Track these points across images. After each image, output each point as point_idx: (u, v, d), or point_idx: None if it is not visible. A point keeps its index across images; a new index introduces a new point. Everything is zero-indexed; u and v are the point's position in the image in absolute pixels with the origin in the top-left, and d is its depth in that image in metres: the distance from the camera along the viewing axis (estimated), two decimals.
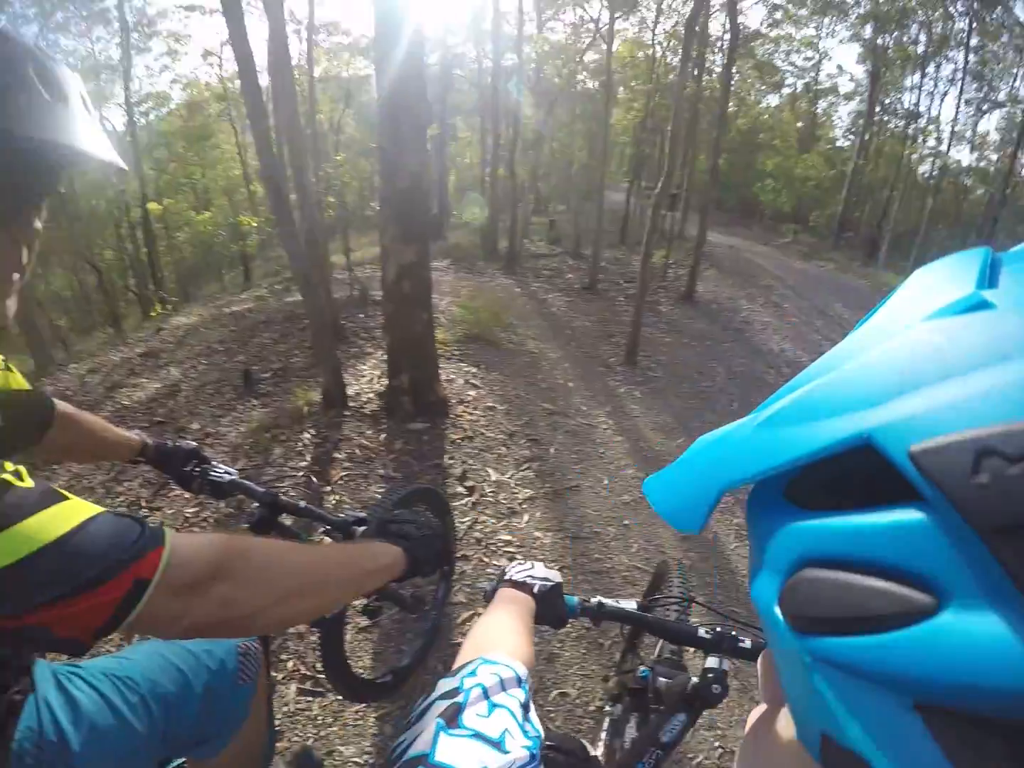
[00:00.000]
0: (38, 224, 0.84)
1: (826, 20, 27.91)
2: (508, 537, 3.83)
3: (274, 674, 2.77)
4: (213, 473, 1.59)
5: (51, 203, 0.90)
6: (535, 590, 1.14)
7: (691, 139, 17.38)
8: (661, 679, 1.35)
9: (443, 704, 0.62)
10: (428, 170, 4.58)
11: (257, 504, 1.54)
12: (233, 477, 1.60)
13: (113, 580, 0.69)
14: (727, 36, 13.35)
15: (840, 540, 0.30)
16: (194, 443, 1.65)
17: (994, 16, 23.00)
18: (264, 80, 11.75)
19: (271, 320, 7.96)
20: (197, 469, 1.60)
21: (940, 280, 0.34)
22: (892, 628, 0.26)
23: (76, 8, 20.05)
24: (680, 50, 15.89)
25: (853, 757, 0.29)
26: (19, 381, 1.10)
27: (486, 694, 0.65)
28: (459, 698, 0.63)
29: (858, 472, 0.29)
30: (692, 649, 1.43)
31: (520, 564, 1.21)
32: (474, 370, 6.04)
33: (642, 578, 3.75)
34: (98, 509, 0.73)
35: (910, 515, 0.27)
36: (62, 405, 1.30)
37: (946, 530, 0.25)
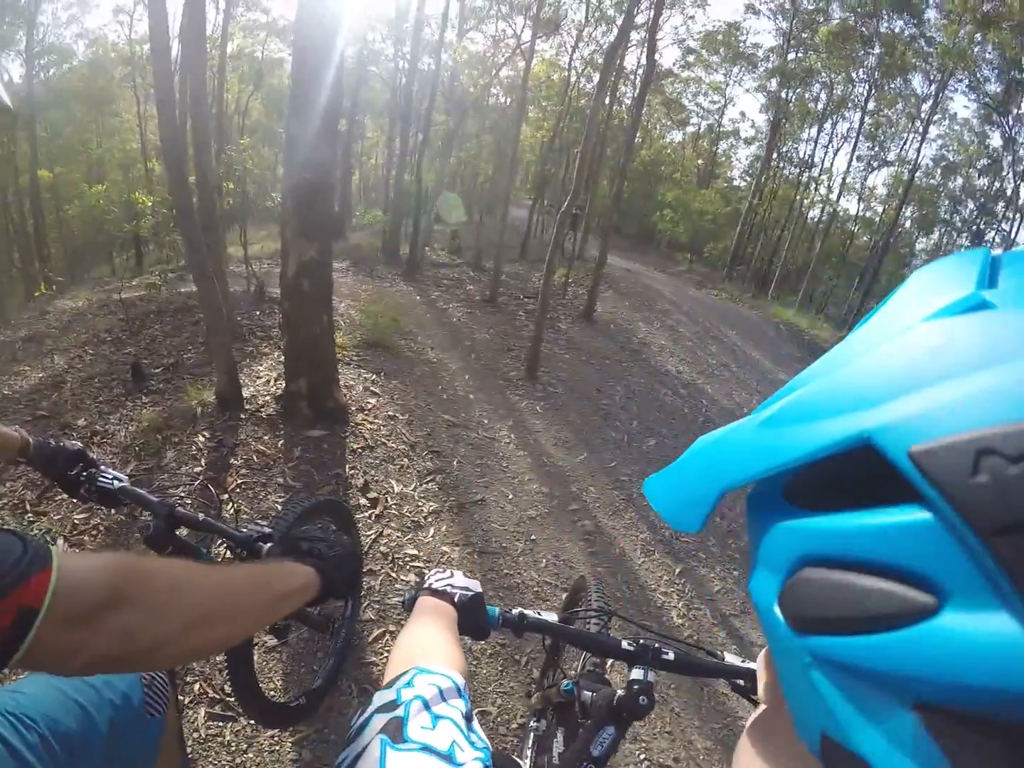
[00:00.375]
0: None
1: (735, 69, 29.87)
2: (415, 551, 3.69)
3: (181, 697, 2.57)
4: (102, 479, 1.43)
5: None
6: (456, 599, 1.11)
7: (596, 164, 17.77)
8: (586, 692, 1.33)
9: (383, 718, 0.59)
10: (335, 164, 4.36)
11: (151, 515, 1.38)
12: (124, 484, 1.44)
13: None
14: (641, 70, 13.68)
15: (840, 540, 0.30)
16: (79, 444, 1.47)
17: (893, 85, 25.05)
18: (175, 49, 11.17)
19: (163, 310, 7.43)
20: (84, 474, 1.43)
21: (940, 280, 0.33)
22: (892, 628, 0.27)
23: None
24: (596, 76, 16.31)
25: (853, 757, 0.29)
26: None
27: (427, 706, 0.62)
28: (399, 711, 0.60)
29: (858, 472, 0.29)
30: (613, 662, 1.38)
31: (439, 572, 1.18)
32: (374, 377, 5.82)
33: (552, 593, 3.73)
34: None
35: (910, 515, 0.27)
36: None
37: (946, 530, 0.25)
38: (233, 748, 2.45)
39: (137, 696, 1.13)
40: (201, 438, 4.25)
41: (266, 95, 23.32)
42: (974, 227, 28.34)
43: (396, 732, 0.57)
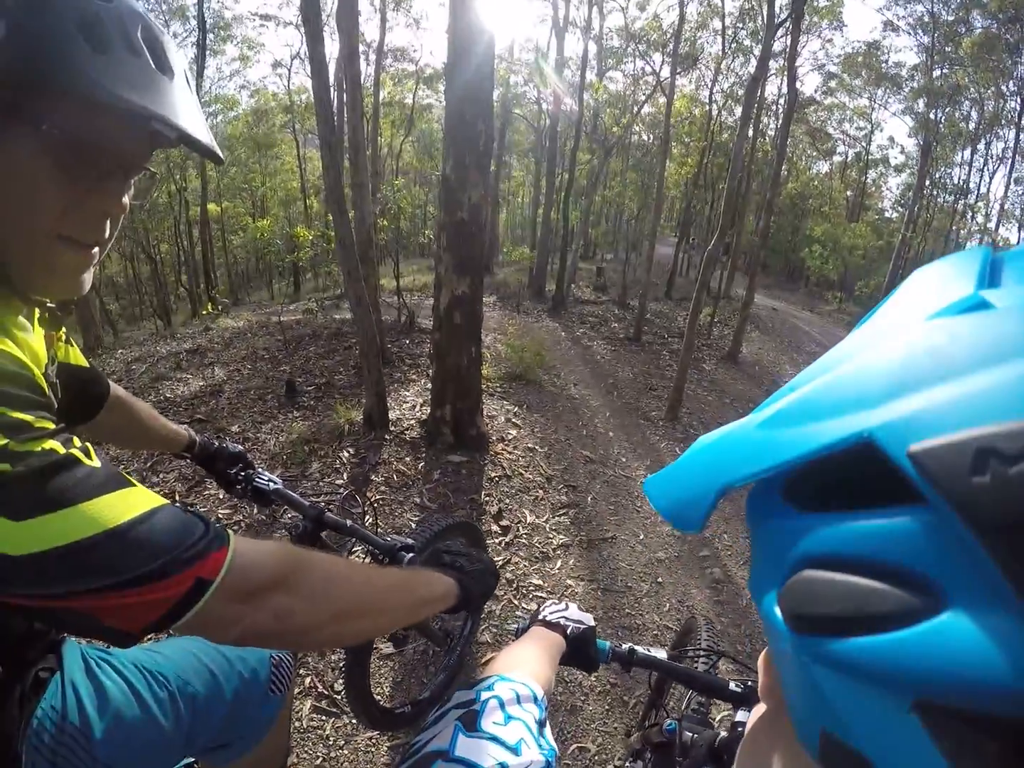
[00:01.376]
0: (126, 199, 0.78)
1: (879, 92, 28.50)
2: (539, 582, 3.74)
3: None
4: (259, 480, 1.58)
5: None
6: (568, 632, 1.12)
7: (742, 199, 17.48)
8: (688, 732, 1.32)
9: (459, 711, 0.63)
10: (486, 204, 4.59)
11: (301, 516, 1.51)
12: (278, 486, 1.58)
13: (175, 576, 0.66)
14: (783, 100, 13.40)
15: (840, 540, 0.30)
16: (240, 447, 1.64)
17: None
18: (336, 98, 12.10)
19: (318, 334, 8.02)
20: (242, 473, 1.59)
21: (940, 280, 0.33)
22: (891, 628, 0.26)
23: (156, 1, 20.65)
24: (737, 109, 16.03)
25: (852, 756, 0.30)
26: (78, 356, 1.08)
27: (502, 705, 0.65)
28: (476, 706, 0.64)
29: (858, 472, 0.29)
30: (719, 703, 1.36)
31: (555, 604, 1.20)
32: (516, 409, 5.99)
33: (671, 638, 3.67)
34: (163, 501, 0.70)
35: (910, 515, 0.27)
36: (116, 388, 1.29)
37: (945, 530, 0.25)
38: (331, 743, 2.59)
39: (264, 673, 1.23)
40: (346, 453, 4.53)
41: (416, 138, 24.62)
42: None
43: (470, 722, 0.61)
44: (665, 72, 13.98)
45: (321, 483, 4.24)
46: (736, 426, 0.37)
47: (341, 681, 2.67)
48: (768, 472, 0.33)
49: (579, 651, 1.13)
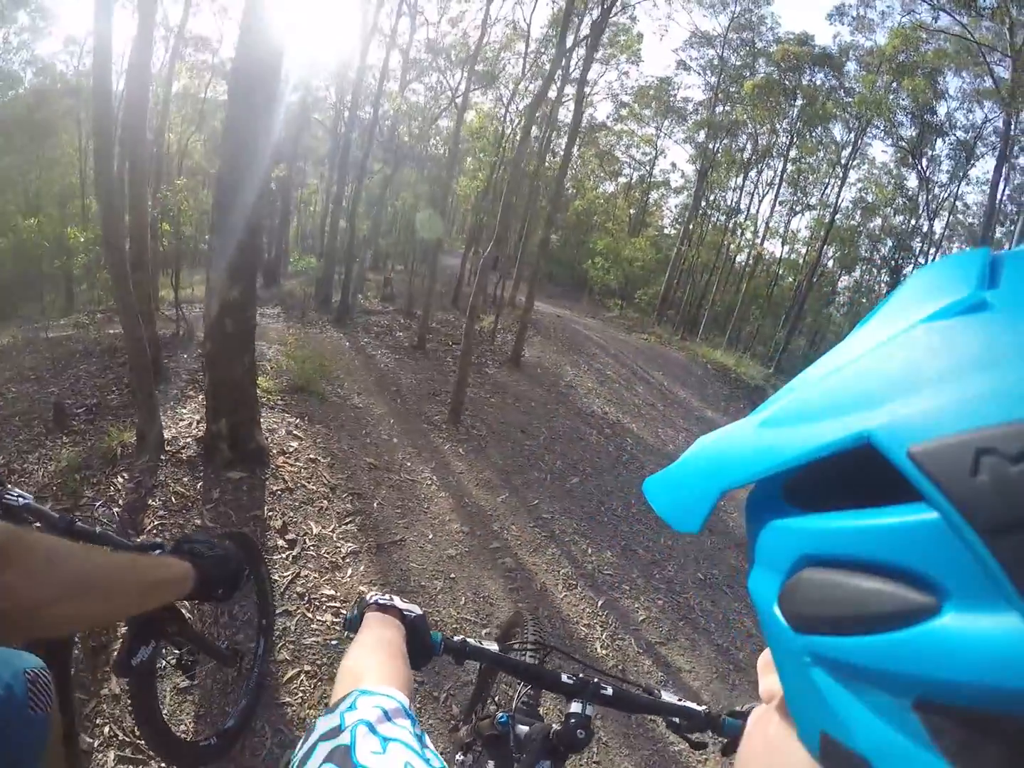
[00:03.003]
0: None
1: (666, 122, 31.31)
2: (332, 591, 3.73)
3: (90, 740, 2.54)
4: (7, 497, 1.50)
5: None
6: (404, 615, 1.11)
7: (529, 213, 18.20)
8: (521, 726, 1.33)
9: (327, 745, 0.58)
10: (265, 207, 4.48)
11: (52, 528, 1.46)
12: (28, 501, 1.50)
13: None
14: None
15: (840, 540, 0.30)
16: None
17: (814, 134, 26.81)
18: (120, 84, 11.10)
19: (90, 351, 7.41)
20: None
21: (939, 282, 0.33)
22: (892, 628, 0.27)
23: None
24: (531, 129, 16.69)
25: (852, 756, 0.30)
26: None
27: (372, 728, 0.60)
28: (344, 737, 0.58)
29: (858, 472, 0.29)
30: (545, 697, 1.41)
31: (377, 592, 1.16)
32: (297, 421, 5.88)
33: (472, 630, 3.80)
34: None
35: (910, 515, 0.27)
36: None
37: (945, 530, 0.25)
38: None
39: (20, 690, 1.16)
40: (120, 479, 4.23)
41: (208, 136, 23.20)
42: (892, 263, 29.82)
43: (344, 759, 0.55)
44: (463, 87, 14.25)
45: (96, 513, 3.93)
46: (736, 427, 0.38)
47: (132, 718, 2.47)
48: (768, 473, 0.33)
49: (415, 639, 1.10)
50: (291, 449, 5.19)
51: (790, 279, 33.68)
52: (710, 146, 28.23)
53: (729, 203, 32.46)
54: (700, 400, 13.60)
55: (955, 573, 0.25)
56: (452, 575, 4.28)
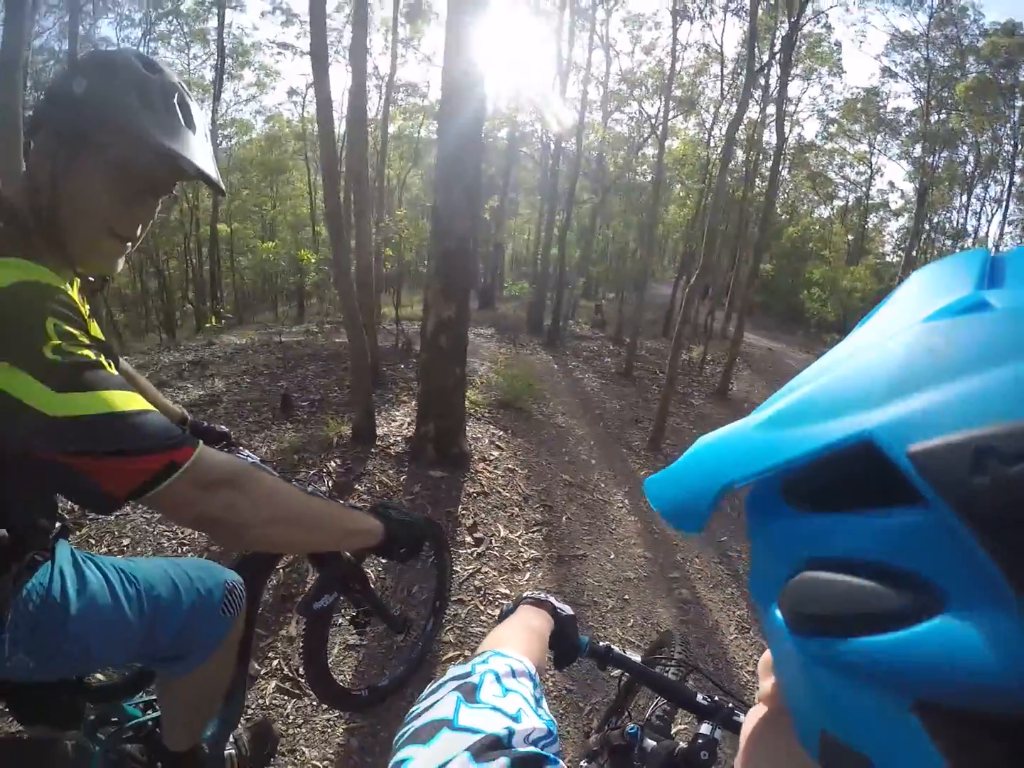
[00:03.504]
0: (155, 211, 1.18)
1: (878, 137, 28.86)
2: (507, 591, 3.90)
3: (258, 667, 2.92)
4: (239, 455, 1.79)
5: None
6: (556, 611, 1.15)
7: (740, 241, 17.72)
8: (649, 740, 1.33)
9: (456, 682, 0.64)
10: (480, 234, 4.89)
11: None
12: (255, 460, 1.77)
13: (155, 455, 0.92)
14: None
15: (840, 540, 0.30)
16: (226, 428, 1.92)
17: None
18: (341, 128, 12.44)
19: (317, 355, 8.31)
20: (226, 450, 1.82)
21: (940, 281, 0.34)
22: (892, 628, 0.27)
23: (179, 23, 21.62)
24: (738, 153, 16.25)
25: (852, 756, 0.30)
26: (95, 329, 1.26)
27: (499, 679, 0.66)
28: (473, 679, 0.65)
29: (858, 472, 0.29)
30: (683, 717, 1.41)
31: (537, 592, 1.20)
32: (501, 433, 6.21)
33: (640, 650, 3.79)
34: (153, 407, 0.96)
35: (909, 515, 0.27)
36: (123, 362, 1.54)
37: (945, 530, 0.25)
38: (290, 720, 2.74)
39: (219, 594, 1.44)
40: (333, 463, 4.75)
41: (424, 171, 24.97)
42: None
43: (470, 693, 0.62)
44: (662, 114, 14.33)
45: (306, 488, 4.41)
46: (736, 426, 0.37)
47: (301, 656, 2.78)
48: (768, 472, 0.33)
49: (563, 635, 1.14)
50: (492, 457, 5.51)
51: None
52: (928, 160, 25.41)
53: (954, 224, 29.45)
54: None
55: (954, 573, 0.26)
56: (626, 596, 4.30)
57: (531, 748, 0.55)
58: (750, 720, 0.45)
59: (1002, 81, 22.08)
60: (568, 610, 1.18)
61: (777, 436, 0.33)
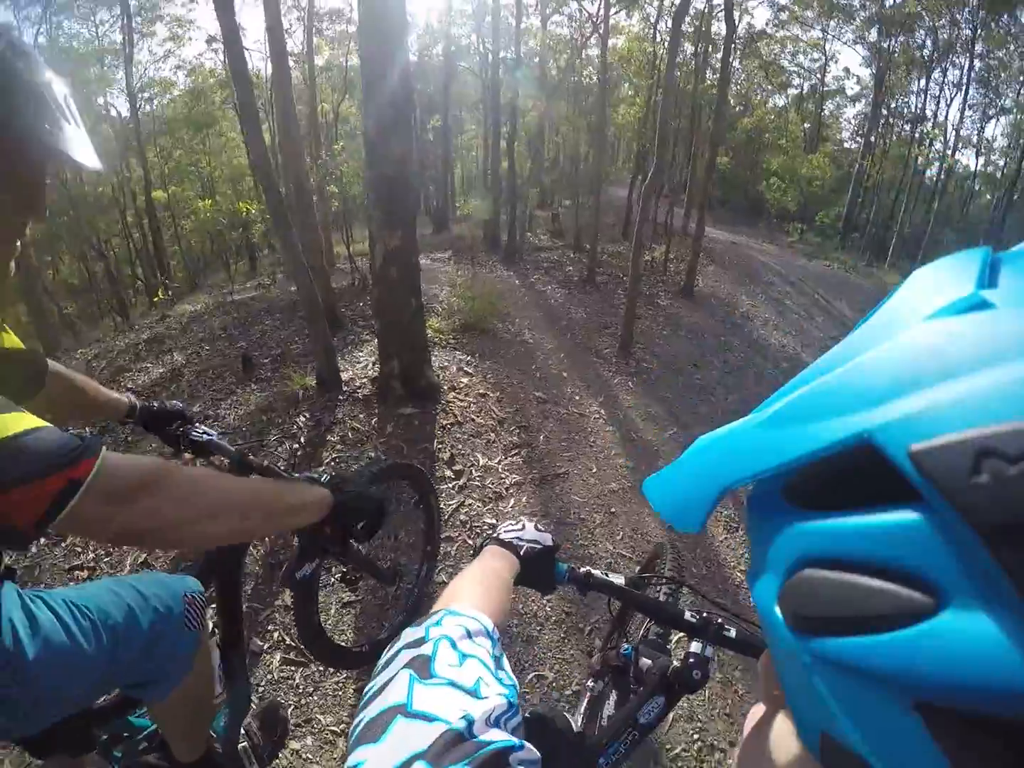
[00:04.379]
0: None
1: (832, 23, 28.08)
2: (493, 521, 3.86)
3: (261, 643, 2.88)
4: (194, 433, 1.70)
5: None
6: (521, 552, 1.13)
7: (695, 136, 17.40)
8: (644, 659, 1.35)
9: (409, 653, 0.62)
10: (425, 156, 4.65)
11: (228, 460, 1.64)
12: (211, 437, 1.69)
13: (50, 477, 0.82)
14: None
15: (840, 540, 0.30)
16: (180, 404, 1.77)
17: (1000, 24, 23.03)
18: (269, 70, 11.83)
19: (272, 308, 8.10)
20: (180, 430, 1.71)
21: (940, 280, 0.33)
22: (892, 628, 0.27)
23: None
24: (689, 47, 15.84)
25: (853, 757, 0.30)
26: (13, 340, 1.18)
27: (453, 644, 0.64)
28: (426, 648, 0.62)
29: (858, 472, 0.29)
30: (678, 634, 1.42)
31: (511, 524, 1.20)
32: (468, 358, 6.08)
33: (626, 565, 3.79)
34: (45, 424, 0.86)
35: (910, 515, 0.27)
36: (55, 365, 1.41)
37: (945, 530, 0.25)
38: (300, 690, 2.72)
39: (178, 609, 1.36)
40: (302, 418, 4.62)
41: (359, 100, 24.05)
42: None
43: (423, 668, 0.59)
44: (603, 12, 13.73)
45: (278, 450, 4.32)
46: (736, 426, 0.38)
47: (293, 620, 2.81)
48: (769, 472, 0.33)
49: (534, 571, 1.14)
50: (461, 385, 5.38)
51: (987, 196, 30.22)
52: (884, 45, 25.14)
53: (913, 109, 28.83)
54: None
55: (955, 573, 0.25)
56: (613, 509, 4.29)
57: (492, 738, 0.52)
58: (750, 720, 0.46)
59: None
60: (541, 543, 1.16)
61: (778, 436, 0.33)
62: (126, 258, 23.07)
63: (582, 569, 1.26)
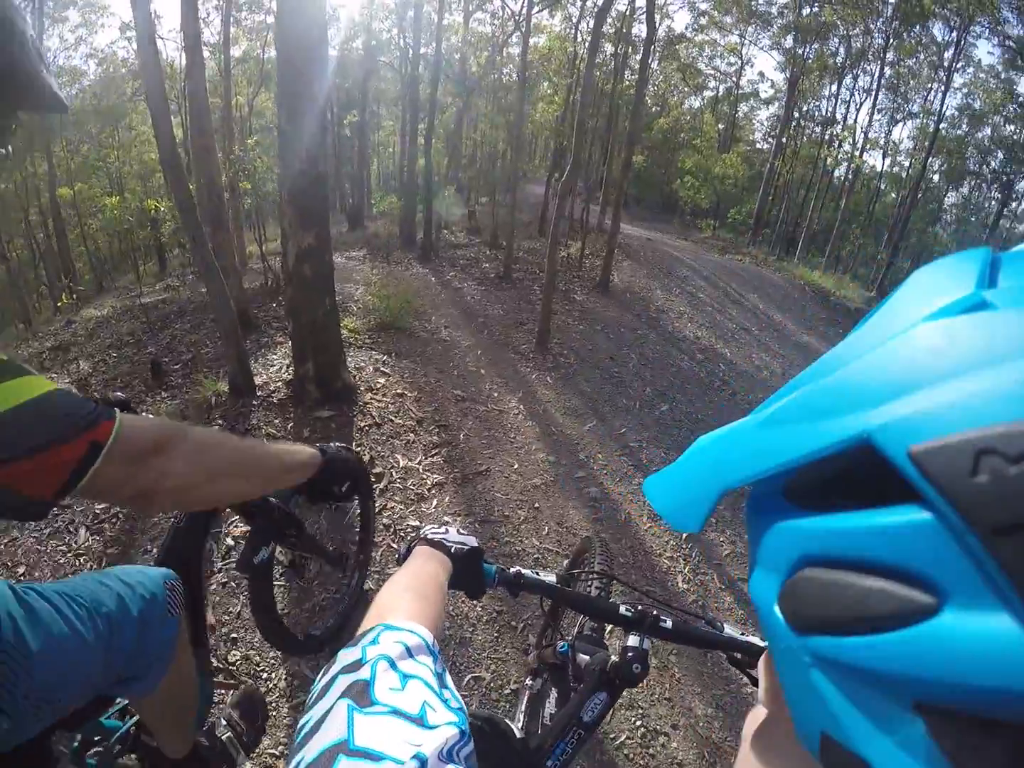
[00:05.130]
0: None
1: (750, 29, 29.09)
2: (416, 523, 3.80)
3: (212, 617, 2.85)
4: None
5: None
6: (451, 551, 1.09)
7: (612, 135, 17.61)
8: (581, 655, 1.34)
9: (347, 679, 0.57)
10: (343, 152, 4.54)
11: None
12: None
13: (72, 442, 0.81)
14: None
15: (840, 540, 0.30)
16: (122, 394, 1.64)
17: (912, 34, 24.08)
18: (184, 60, 11.37)
19: (183, 310, 7.86)
20: None
21: (940, 280, 0.33)
22: (892, 628, 0.27)
23: None
24: (609, 47, 15.97)
25: (853, 757, 0.29)
26: None
27: (393, 664, 0.59)
28: (364, 672, 0.57)
29: (858, 472, 0.30)
30: (612, 627, 1.39)
31: (434, 527, 1.16)
32: (384, 358, 5.98)
33: (554, 560, 3.79)
34: (57, 385, 0.83)
35: (910, 515, 0.27)
36: None
37: (946, 530, 0.25)
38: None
39: (161, 596, 1.36)
40: (215, 426, 4.45)
41: (275, 93, 23.36)
42: (1004, 178, 27.53)
43: (362, 695, 0.54)
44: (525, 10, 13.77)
45: None
46: (736, 426, 0.38)
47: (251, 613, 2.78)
48: (768, 472, 0.34)
49: (466, 572, 1.10)
50: (378, 385, 5.30)
51: (892, 195, 31.78)
52: (799, 52, 25.98)
53: (824, 113, 30.24)
54: (797, 324, 13.03)
55: (955, 573, 0.25)
56: (536, 504, 4.29)
57: None
58: (751, 722, 0.46)
59: None
60: (470, 543, 1.13)
61: (778, 436, 0.34)
62: (29, 260, 21.94)
63: (512, 569, 1.23)
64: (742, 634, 1.29)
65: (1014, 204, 30.99)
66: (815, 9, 24.97)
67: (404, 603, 0.82)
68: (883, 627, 0.27)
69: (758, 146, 36.41)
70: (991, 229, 30.05)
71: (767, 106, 35.21)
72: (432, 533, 1.12)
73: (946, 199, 33.57)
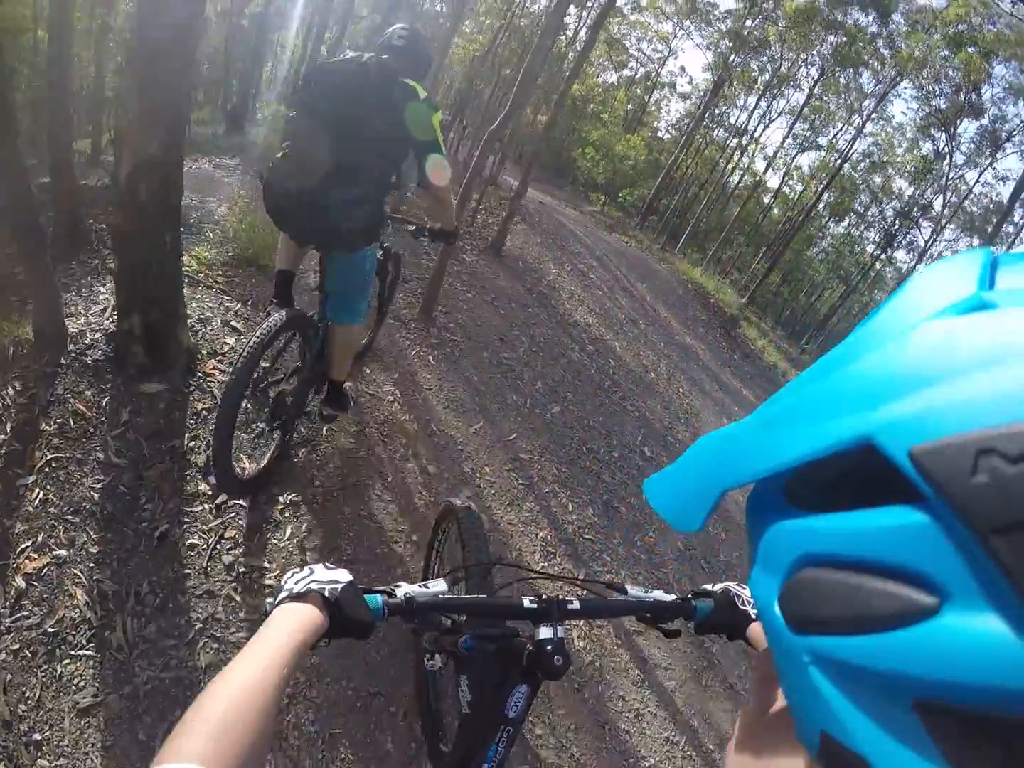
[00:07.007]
0: None
1: (687, 22, 29.77)
2: (267, 564, 2.90)
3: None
4: None
5: None
6: (326, 593, 0.92)
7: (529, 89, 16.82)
8: (490, 643, 1.21)
9: None
10: (196, 28, 3.19)
11: None
12: None
13: None
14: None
15: (840, 540, 0.30)
16: None
17: (842, 75, 25.57)
18: None
19: None
20: None
21: (941, 281, 0.32)
22: (892, 628, 0.27)
23: None
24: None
25: (852, 756, 0.29)
26: None
27: None
28: None
29: (859, 472, 0.30)
30: None
31: (295, 573, 0.97)
32: (238, 307, 4.62)
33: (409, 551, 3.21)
34: None
35: (910, 515, 0.27)
36: None
37: (946, 530, 0.25)
38: None
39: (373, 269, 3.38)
40: (11, 390, 3.18)
41: None
42: (886, 228, 29.87)
43: None
44: None
45: None
46: (737, 426, 0.37)
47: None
48: (769, 472, 0.33)
49: (345, 616, 0.93)
50: (225, 349, 4.04)
51: (776, 212, 33.31)
52: (731, 59, 26.68)
53: (735, 122, 31.76)
54: (679, 323, 12.89)
55: (955, 573, 0.25)
56: (415, 537, 3.47)
57: None
58: (742, 719, 0.45)
59: (830, 15, 23.38)
60: (340, 581, 0.96)
61: (778, 436, 0.33)
62: None
63: (399, 593, 1.09)
64: (647, 592, 1.27)
65: (891, 251, 34.31)
66: (758, 22, 25.75)
67: (204, 728, 0.62)
68: (884, 627, 0.27)
69: (660, 135, 37.56)
70: (866, 268, 32.82)
71: (682, 100, 36.42)
72: (296, 583, 0.94)
73: (828, 229, 36.02)
